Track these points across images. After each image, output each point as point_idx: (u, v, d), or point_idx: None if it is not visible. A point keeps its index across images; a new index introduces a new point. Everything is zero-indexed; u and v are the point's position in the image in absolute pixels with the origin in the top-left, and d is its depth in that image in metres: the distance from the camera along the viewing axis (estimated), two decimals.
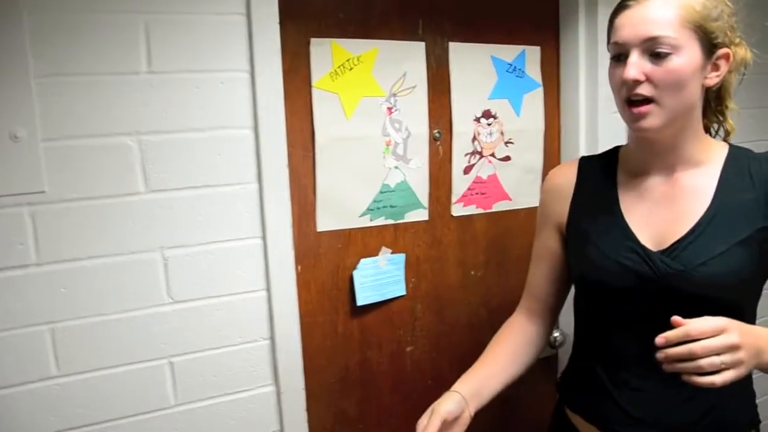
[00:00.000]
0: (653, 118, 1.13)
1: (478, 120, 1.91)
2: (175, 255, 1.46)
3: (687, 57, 1.11)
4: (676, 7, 1.11)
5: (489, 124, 1.93)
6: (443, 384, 1.97)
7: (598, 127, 2.02)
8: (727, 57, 1.16)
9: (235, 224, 1.51)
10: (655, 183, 1.25)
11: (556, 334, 2.12)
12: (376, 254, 1.81)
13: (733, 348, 0.98)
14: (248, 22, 1.45)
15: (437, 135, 1.85)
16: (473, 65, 1.89)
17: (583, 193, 1.34)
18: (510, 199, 2.02)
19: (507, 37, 1.95)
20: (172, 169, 1.43)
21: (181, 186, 1.44)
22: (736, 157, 1.24)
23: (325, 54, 1.65)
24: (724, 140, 1.32)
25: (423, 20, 1.80)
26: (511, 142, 1.99)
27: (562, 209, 1.36)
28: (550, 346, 2.14)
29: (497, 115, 1.95)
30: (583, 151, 2.05)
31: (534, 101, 2.02)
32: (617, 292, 1.23)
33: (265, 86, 1.49)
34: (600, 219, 1.28)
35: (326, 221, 1.72)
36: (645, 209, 1.24)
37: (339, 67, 1.67)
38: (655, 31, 1.10)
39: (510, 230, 2.05)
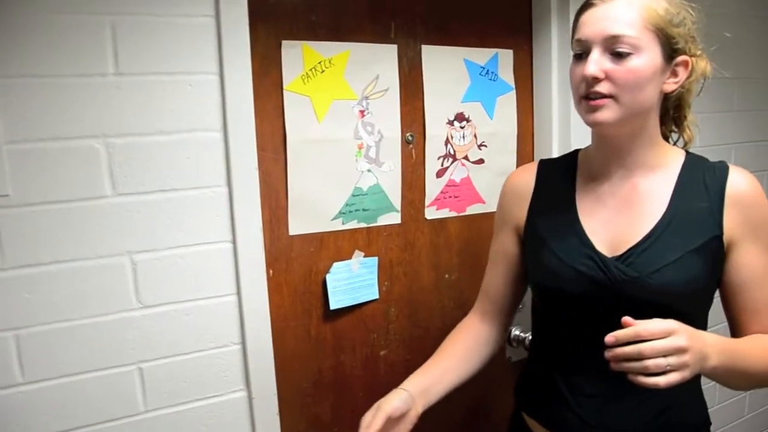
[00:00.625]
0: (608, 111, 1.14)
1: (451, 123, 1.91)
2: (144, 259, 1.44)
3: (647, 58, 1.13)
4: (639, 8, 1.12)
5: (462, 128, 1.94)
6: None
7: (571, 130, 2.03)
8: (686, 64, 1.18)
9: (205, 228, 1.49)
10: (612, 187, 1.26)
11: (530, 335, 2.12)
12: (349, 258, 1.80)
13: (680, 351, 0.99)
14: (217, 24, 1.44)
15: (410, 138, 1.85)
16: (446, 68, 1.89)
17: (541, 197, 1.35)
18: (484, 202, 2.02)
19: (480, 41, 1.95)
20: (140, 172, 1.41)
21: (149, 189, 1.42)
22: (692, 165, 1.25)
23: (297, 56, 1.64)
24: (683, 148, 1.32)
25: (395, 23, 1.80)
26: (485, 145, 1.99)
27: (520, 212, 1.37)
28: (525, 348, 2.14)
29: (470, 118, 1.95)
30: (556, 154, 2.06)
31: (507, 104, 2.03)
32: (573, 298, 1.23)
33: (234, 89, 1.47)
34: (557, 223, 1.29)
35: (298, 225, 1.71)
36: (602, 214, 1.25)
37: (310, 69, 1.66)
38: (617, 30, 1.11)
39: (484, 233, 2.04)
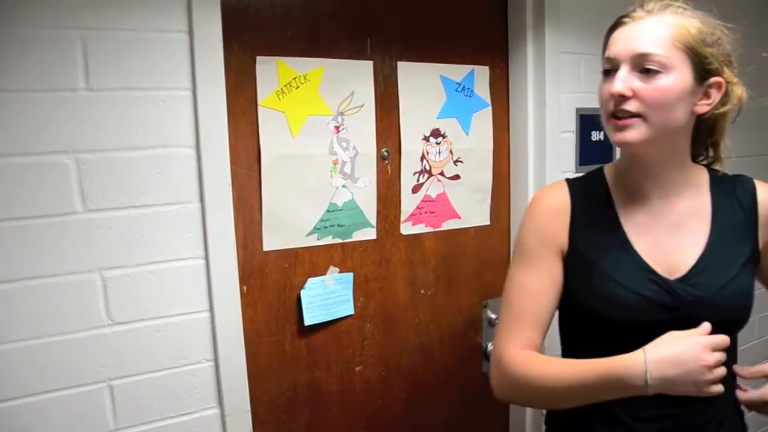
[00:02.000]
0: (636, 131, 1.13)
1: (426, 139, 1.92)
2: (115, 276, 1.43)
3: (676, 78, 1.11)
4: (670, 26, 1.12)
5: (438, 143, 1.94)
6: (393, 404, 1.98)
7: (546, 146, 2.04)
8: (719, 86, 1.16)
9: (177, 244, 1.48)
10: (653, 207, 1.24)
11: None
12: (324, 273, 1.79)
13: None
14: (190, 40, 1.44)
15: (385, 154, 1.85)
16: (422, 84, 1.90)
17: (582, 218, 1.27)
18: (460, 218, 2.03)
19: (456, 57, 1.97)
20: (111, 188, 1.40)
21: (120, 205, 1.41)
22: (719, 181, 1.28)
23: (271, 72, 1.65)
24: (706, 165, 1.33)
25: (371, 39, 1.81)
26: (461, 161, 2.00)
27: (562, 233, 1.27)
28: None
29: (446, 134, 1.96)
30: (533, 170, 2.07)
31: (483, 121, 2.04)
32: (638, 325, 1.16)
33: (207, 104, 1.47)
34: (607, 247, 1.24)
35: (273, 241, 1.70)
36: (650, 235, 1.23)
37: (285, 85, 1.66)
38: (645, 48, 1.11)
39: (460, 249, 2.06)
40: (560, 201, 1.29)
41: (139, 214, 1.44)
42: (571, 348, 1.36)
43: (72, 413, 1.42)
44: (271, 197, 1.68)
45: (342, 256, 1.83)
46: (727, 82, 1.17)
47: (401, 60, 1.86)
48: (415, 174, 1.91)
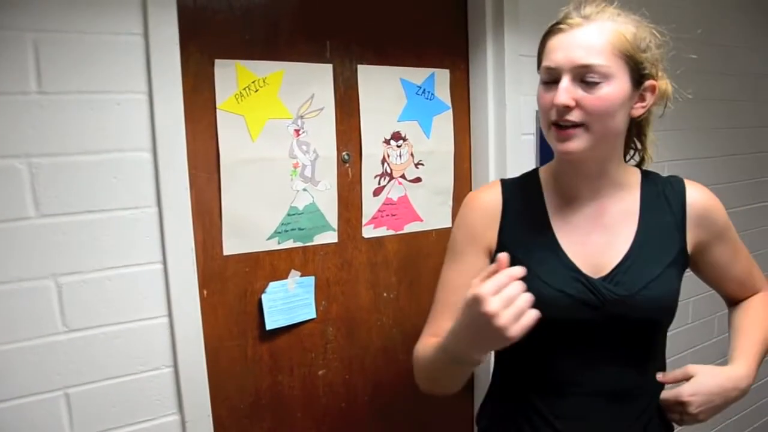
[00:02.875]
0: (579, 141, 1.14)
1: (387, 142, 1.92)
2: (70, 282, 1.40)
3: (617, 86, 1.13)
4: (608, 34, 1.12)
5: (399, 146, 1.95)
6: (357, 407, 1.97)
7: (507, 148, 2.06)
8: (653, 89, 1.19)
9: (134, 249, 1.46)
10: (584, 208, 1.26)
11: None
12: (285, 277, 1.79)
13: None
14: (146, 42, 1.42)
15: (346, 157, 1.85)
16: (382, 88, 1.90)
17: (512, 219, 1.29)
18: (421, 220, 2.03)
19: (416, 60, 1.97)
20: (66, 192, 1.38)
21: (75, 210, 1.39)
22: (650, 181, 1.30)
23: (230, 75, 1.64)
24: (638, 166, 1.36)
25: (331, 42, 1.81)
26: (422, 164, 2.00)
27: (491, 234, 1.29)
28: None
29: (407, 137, 1.96)
30: (493, 173, 2.09)
31: (443, 123, 2.05)
32: (562, 322, 1.19)
33: (164, 108, 1.45)
34: (535, 247, 1.25)
35: (233, 245, 1.69)
36: (578, 235, 1.25)
37: (244, 88, 1.66)
38: (588, 59, 1.11)
39: (422, 251, 2.06)
40: (492, 201, 1.31)
41: (95, 219, 1.42)
42: (504, 351, 1.33)
43: (27, 422, 1.39)
44: (231, 201, 1.66)
45: (303, 259, 1.83)
46: (657, 80, 1.20)
47: (361, 63, 1.86)
48: (376, 177, 1.92)
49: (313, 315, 1.85)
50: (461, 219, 1.35)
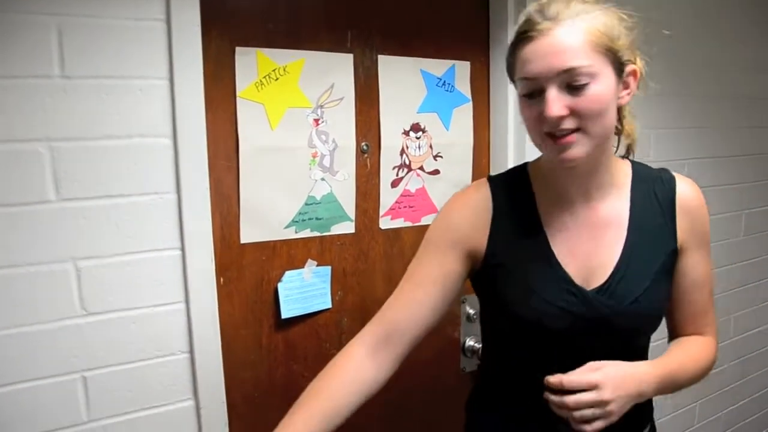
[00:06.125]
0: (580, 147, 1.08)
1: (406, 133, 1.92)
2: (89, 266, 1.41)
3: (604, 82, 1.07)
4: (582, 32, 1.05)
5: (418, 138, 1.94)
6: (370, 399, 1.96)
7: (526, 142, 2.04)
8: (635, 73, 1.15)
9: (152, 235, 1.47)
10: (575, 211, 1.22)
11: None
12: (302, 267, 1.79)
13: (602, 404, 1.07)
14: (168, 28, 1.43)
15: (365, 147, 1.85)
16: (402, 78, 1.90)
17: (502, 222, 1.23)
18: None
19: (437, 52, 1.97)
20: (86, 177, 1.38)
21: (95, 195, 1.40)
22: (641, 177, 1.26)
23: (251, 63, 1.64)
24: (625, 156, 1.31)
25: (352, 32, 1.80)
26: (440, 156, 2.00)
27: (478, 236, 1.23)
28: (479, 359, 2.15)
29: (426, 129, 1.96)
30: (512, 166, 2.07)
31: (463, 116, 2.04)
32: (552, 332, 1.18)
33: (185, 94, 1.46)
34: (527, 254, 1.21)
35: (250, 233, 1.69)
36: (570, 241, 1.21)
37: (264, 77, 1.65)
38: (570, 62, 1.04)
39: None
40: (481, 203, 1.25)
41: (114, 204, 1.42)
42: (493, 344, 1.37)
43: (44, 404, 1.40)
44: (249, 189, 1.67)
45: (320, 249, 1.83)
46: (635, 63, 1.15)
47: (382, 53, 1.86)
48: (394, 168, 1.91)
49: (329, 305, 1.85)
50: (445, 217, 1.29)
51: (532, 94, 1.09)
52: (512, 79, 1.15)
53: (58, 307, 1.40)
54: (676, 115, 2.47)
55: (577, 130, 1.07)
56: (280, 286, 1.75)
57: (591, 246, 1.20)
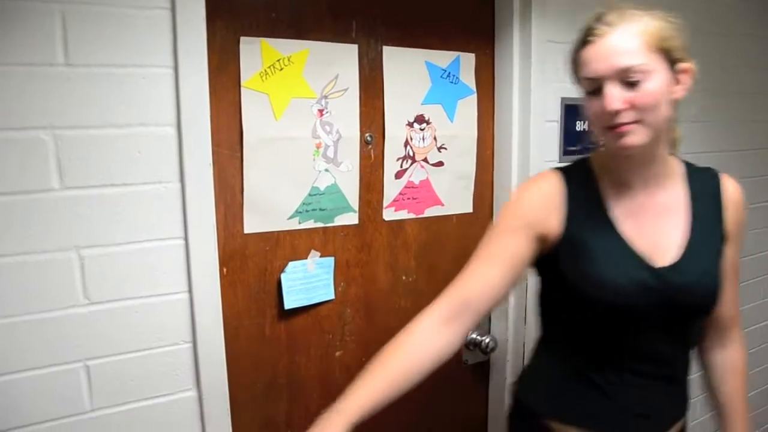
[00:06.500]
0: (637, 135, 1.19)
1: (411, 125, 1.91)
2: (92, 255, 1.41)
3: (657, 78, 1.18)
4: (638, 34, 1.18)
5: (422, 129, 1.94)
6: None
7: (530, 135, 2.04)
8: (687, 70, 1.24)
9: (156, 224, 1.47)
10: (637, 197, 1.32)
11: (487, 339, 2.13)
12: (305, 257, 1.79)
13: None
14: (173, 17, 1.42)
15: (369, 139, 1.85)
16: (407, 70, 1.89)
17: (576, 208, 1.32)
18: (442, 205, 2.02)
19: (442, 43, 1.96)
20: (90, 165, 1.38)
21: (99, 183, 1.39)
22: (692, 172, 1.38)
23: (255, 53, 1.63)
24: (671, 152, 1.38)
25: (357, 23, 1.79)
26: (444, 148, 1.99)
27: (553, 221, 1.32)
28: (481, 351, 2.15)
29: (430, 121, 1.95)
30: (516, 159, 2.08)
31: (468, 108, 2.03)
32: (627, 308, 1.26)
33: (189, 83, 1.45)
34: (600, 237, 1.30)
35: (254, 223, 1.69)
36: (635, 224, 1.31)
37: (269, 67, 1.65)
38: (627, 62, 1.16)
39: (442, 235, 2.05)
40: (554, 189, 1.34)
41: (118, 193, 1.42)
42: (559, 325, 1.44)
43: (47, 393, 1.40)
44: (253, 179, 1.66)
45: (323, 240, 1.82)
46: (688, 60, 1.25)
47: (387, 44, 1.85)
48: (398, 159, 1.91)
49: (332, 296, 1.85)
50: (517, 202, 1.38)
51: (595, 92, 1.21)
52: (575, 80, 1.29)
53: (61, 296, 1.39)
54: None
55: (634, 121, 1.19)
56: (283, 276, 1.75)
57: (654, 229, 1.31)
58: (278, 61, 1.66)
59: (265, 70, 1.64)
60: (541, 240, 1.32)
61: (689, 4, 2.31)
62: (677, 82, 1.23)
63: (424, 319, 1.35)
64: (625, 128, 1.19)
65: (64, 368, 1.42)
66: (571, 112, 2.15)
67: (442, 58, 1.96)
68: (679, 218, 1.32)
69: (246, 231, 1.69)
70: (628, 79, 1.17)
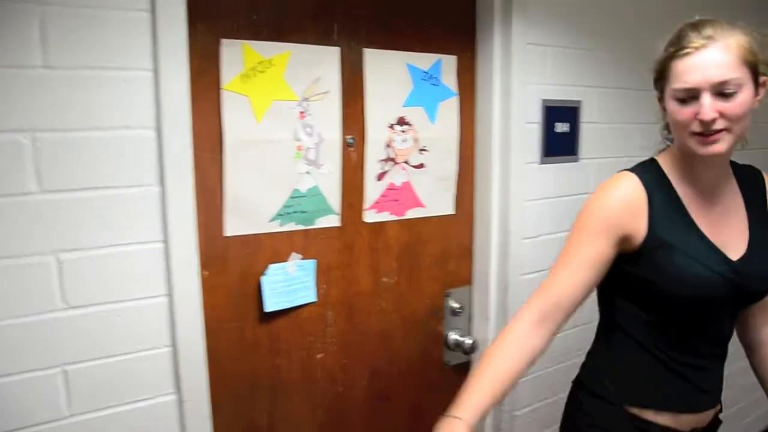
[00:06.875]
0: (724, 143, 1.29)
1: (392, 127, 1.91)
2: (71, 258, 1.39)
3: (747, 91, 1.28)
4: (733, 48, 1.26)
5: (403, 131, 1.94)
6: (355, 391, 1.98)
7: (511, 137, 2.06)
8: (765, 83, 1.34)
9: (136, 227, 1.45)
10: (707, 197, 1.43)
11: (468, 340, 2.14)
12: (286, 260, 1.78)
13: None
14: (153, 19, 1.41)
15: (350, 141, 1.85)
16: (388, 72, 1.89)
17: (658, 209, 1.40)
18: (423, 207, 2.03)
19: (423, 46, 1.96)
20: (69, 168, 1.36)
21: (77, 186, 1.38)
22: (739, 170, 1.51)
23: (236, 56, 1.62)
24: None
25: (338, 25, 1.79)
26: (426, 150, 2.00)
27: (637, 224, 1.39)
28: (463, 352, 2.16)
29: (412, 123, 1.95)
30: (497, 161, 2.08)
31: (449, 110, 2.04)
32: (706, 300, 1.39)
33: (170, 86, 1.44)
34: (683, 233, 1.39)
35: (235, 226, 1.68)
36: (709, 222, 1.41)
37: (250, 69, 1.64)
38: (724, 76, 1.25)
39: (423, 237, 2.06)
40: (637, 192, 1.41)
41: (98, 196, 1.40)
42: (633, 320, 1.49)
43: (25, 399, 1.38)
44: (234, 182, 1.66)
45: (305, 242, 1.82)
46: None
47: (368, 47, 1.85)
48: (379, 162, 1.91)
49: (313, 298, 1.85)
50: (601, 206, 1.42)
51: (686, 100, 1.30)
52: (658, 84, 1.39)
53: (39, 301, 1.38)
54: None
55: (723, 130, 1.28)
56: (263, 279, 1.74)
57: (725, 225, 1.43)
58: (259, 63, 1.65)
59: (247, 73, 1.64)
60: (624, 241, 1.40)
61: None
62: (757, 93, 1.33)
63: (519, 321, 1.42)
64: (714, 137, 1.28)
65: (42, 374, 1.40)
66: (551, 113, 2.16)
67: (424, 60, 1.96)
68: (740, 214, 1.45)
69: (227, 234, 1.68)
70: (722, 91, 1.25)
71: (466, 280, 2.21)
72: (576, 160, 2.29)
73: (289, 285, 1.79)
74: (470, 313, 2.22)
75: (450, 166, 2.07)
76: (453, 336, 2.17)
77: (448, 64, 2.02)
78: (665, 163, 1.45)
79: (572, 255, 1.42)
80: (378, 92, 1.87)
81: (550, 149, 2.19)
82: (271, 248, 1.76)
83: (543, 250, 2.23)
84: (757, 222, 1.46)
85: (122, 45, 1.39)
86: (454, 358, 2.20)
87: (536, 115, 2.13)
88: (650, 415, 1.48)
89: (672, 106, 1.33)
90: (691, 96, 1.29)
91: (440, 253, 2.11)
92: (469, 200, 2.16)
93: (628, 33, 2.38)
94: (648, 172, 1.44)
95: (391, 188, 1.95)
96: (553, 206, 2.25)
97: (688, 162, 1.41)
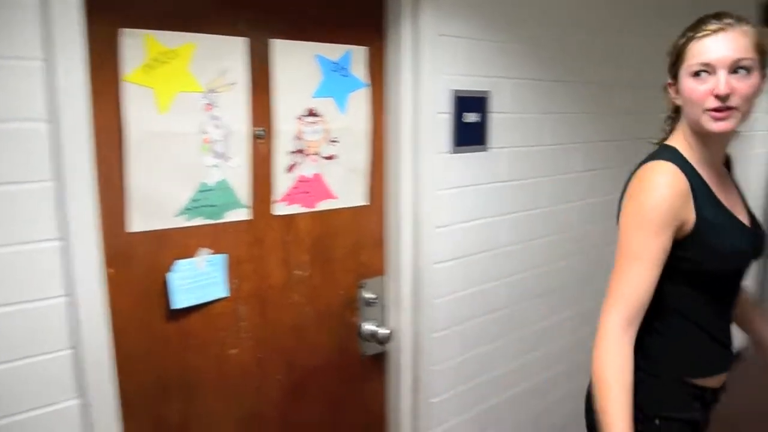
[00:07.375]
0: (733, 120, 1.45)
1: (301, 118, 1.90)
2: None
3: (757, 75, 1.45)
4: (749, 35, 1.44)
5: (313, 123, 1.92)
6: (270, 386, 1.96)
7: (421, 126, 2.07)
8: (766, 76, 1.51)
9: (30, 225, 1.39)
10: (718, 174, 1.59)
11: (383, 330, 2.15)
12: (195, 255, 1.74)
13: None
14: (43, 5, 1.34)
15: (260, 133, 1.82)
16: (297, 63, 1.87)
17: (698, 194, 1.51)
18: (335, 198, 2.02)
19: (333, 37, 1.95)
20: None
21: None
22: None
23: (138, 46, 1.57)
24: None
25: (245, 15, 1.76)
26: (336, 141, 1.99)
27: (688, 211, 1.49)
28: (378, 342, 2.17)
29: (322, 114, 1.94)
30: (408, 150, 2.10)
31: (359, 101, 2.04)
32: (743, 268, 1.61)
33: (65, 76, 1.38)
34: (718, 215, 1.53)
35: (139, 221, 1.63)
36: (726, 198, 1.57)
37: (153, 60, 1.59)
38: (741, 54, 1.42)
39: (335, 229, 2.05)
40: (684, 182, 1.50)
41: None
42: (679, 300, 1.58)
43: None
44: (137, 176, 1.60)
45: (214, 237, 1.78)
46: None
47: (276, 38, 1.82)
48: (289, 153, 1.89)
49: (225, 293, 1.82)
50: (659, 200, 1.47)
51: (700, 77, 1.45)
52: (673, 69, 1.55)
53: None
54: (569, 101, 2.56)
55: (734, 108, 1.43)
56: (170, 276, 1.70)
57: (734, 200, 1.62)
58: (163, 54, 1.60)
59: (149, 63, 1.59)
60: (679, 229, 1.49)
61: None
62: (763, 83, 1.48)
63: (611, 333, 1.48)
64: (726, 113, 1.43)
65: None
66: (461, 104, 2.19)
67: (334, 51, 1.95)
68: (734, 188, 1.66)
69: (132, 230, 1.63)
70: (737, 70, 1.42)
71: (380, 270, 2.22)
72: (485, 150, 2.33)
73: (198, 281, 1.75)
74: (384, 303, 2.24)
75: (361, 157, 2.07)
76: (368, 327, 2.18)
77: (358, 55, 2.02)
78: (681, 147, 1.57)
79: (642, 254, 1.48)
80: (287, 83, 1.85)
81: (460, 139, 2.22)
82: (178, 243, 1.72)
83: (456, 238, 2.26)
84: (740, 192, 1.68)
85: (9, 32, 1.32)
86: (370, 349, 2.21)
87: (447, 106, 2.16)
88: (702, 382, 1.62)
89: (688, 83, 1.48)
90: (706, 72, 1.44)
91: (353, 244, 2.11)
92: (381, 191, 2.17)
93: (542, 25, 2.44)
94: (677, 158, 1.53)
95: (302, 180, 1.93)
96: (465, 195, 2.29)
97: (701, 144, 1.54)
